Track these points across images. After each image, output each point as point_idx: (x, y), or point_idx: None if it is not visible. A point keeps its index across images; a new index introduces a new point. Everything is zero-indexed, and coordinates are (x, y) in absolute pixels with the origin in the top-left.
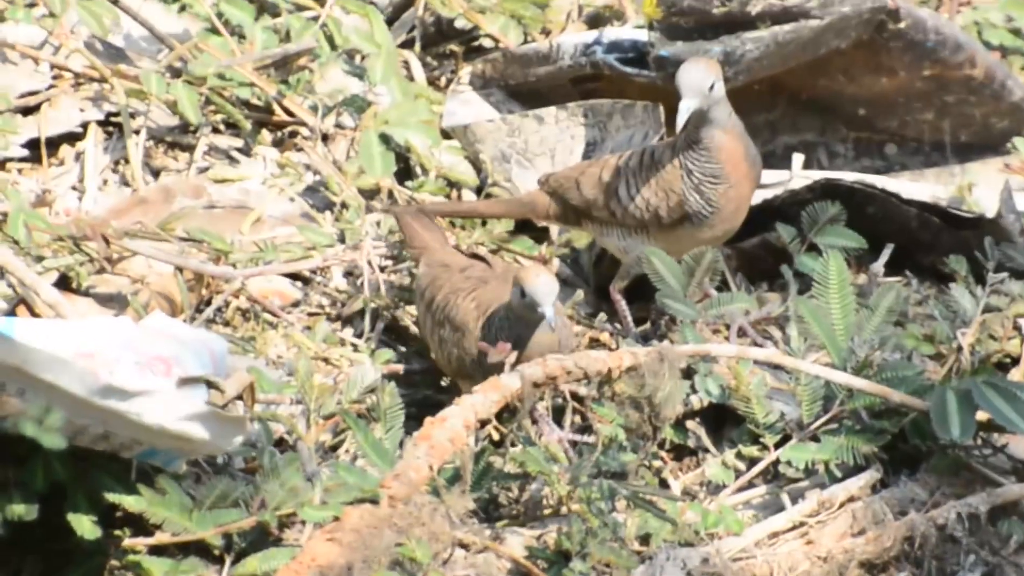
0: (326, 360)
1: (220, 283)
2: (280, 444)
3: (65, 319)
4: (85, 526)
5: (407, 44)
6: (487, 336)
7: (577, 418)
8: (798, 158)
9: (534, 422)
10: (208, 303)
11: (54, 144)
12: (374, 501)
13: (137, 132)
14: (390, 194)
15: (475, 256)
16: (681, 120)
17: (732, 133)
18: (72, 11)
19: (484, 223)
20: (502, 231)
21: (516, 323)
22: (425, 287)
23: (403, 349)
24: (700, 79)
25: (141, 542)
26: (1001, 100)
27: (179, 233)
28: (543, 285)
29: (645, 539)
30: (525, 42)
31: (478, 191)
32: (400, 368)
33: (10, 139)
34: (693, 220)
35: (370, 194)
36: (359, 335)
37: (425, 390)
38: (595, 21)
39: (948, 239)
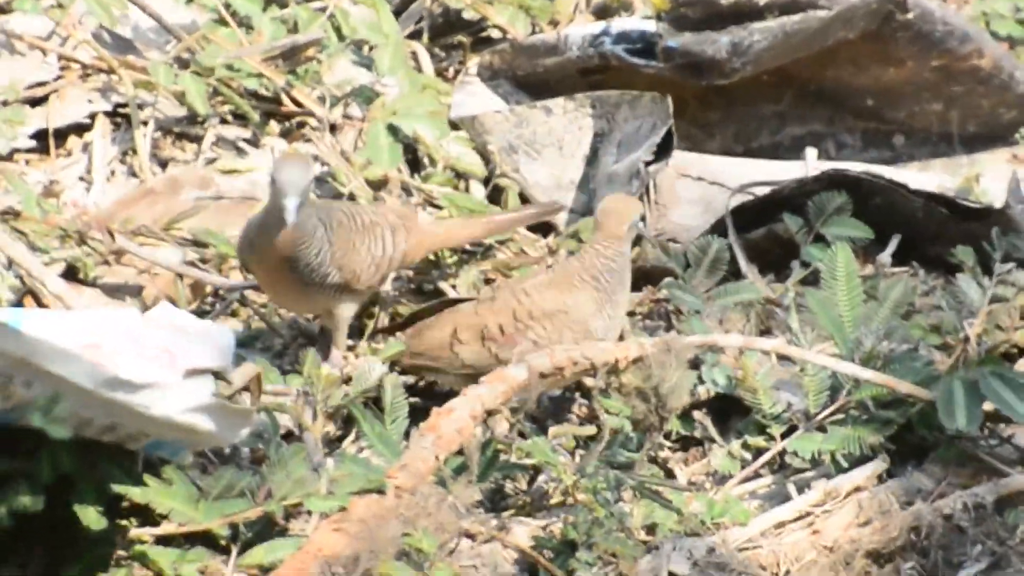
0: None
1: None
2: (287, 436)
3: (72, 310)
4: (91, 517)
5: (415, 35)
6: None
7: (583, 409)
8: (811, 153)
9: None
10: (216, 294)
11: (62, 135)
12: (380, 491)
13: (145, 123)
14: (400, 185)
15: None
16: (291, 218)
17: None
18: (80, 2)
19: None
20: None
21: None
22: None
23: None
24: (304, 176)
25: (147, 532)
26: (1009, 90)
27: (184, 235)
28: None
29: (651, 529)
30: (533, 33)
31: (486, 182)
32: (406, 359)
33: (18, 130)
34: None
35: (378, 185)
36: (365, 325)
37: (432, 380)
38: (603, 12)
39: (955, 230)
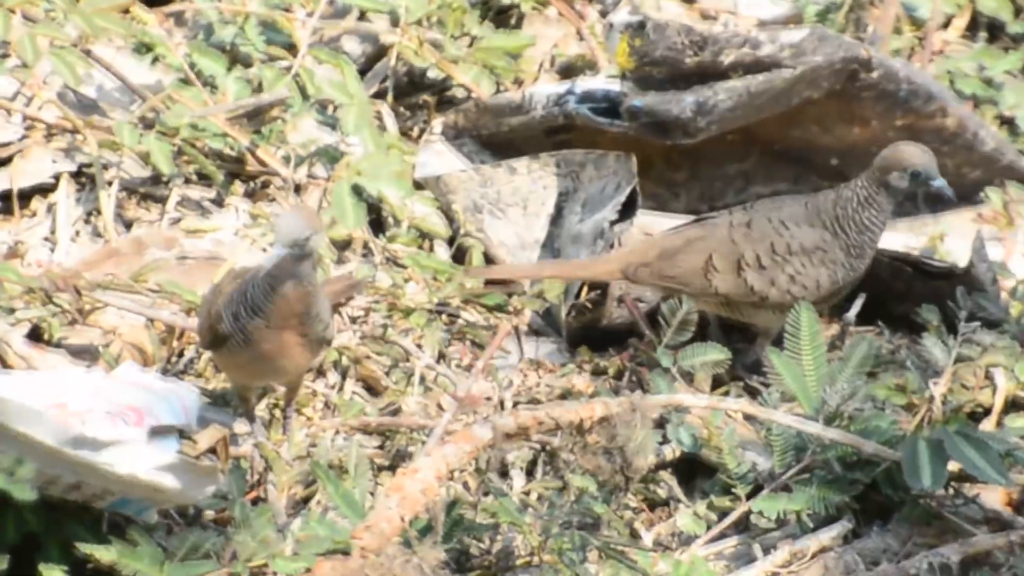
0: (298, 412)
1: (192, 335)
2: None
3: (37, 371)
4: None
5: (380, 95)
6: None
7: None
8: None
9: None
10: (180, 355)
11: (26, 195)
12: (346, 552)
13: (109, 183)
14: (364, 245)
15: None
16: (268, 263)
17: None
18: (45, 62)
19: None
20: (475, 285)
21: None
22: None
23: (375, 400)
24: (297, 229)
25: None
26: (973, 150)
27: (151, 285)
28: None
29: None
30: (498, 92)
31: (450, 242)
32: (372, 421)
33: None
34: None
35: (342, 245)
36: (331, 387)
37: (397, 441)
38: (568, 71)
39: (921, 289)
